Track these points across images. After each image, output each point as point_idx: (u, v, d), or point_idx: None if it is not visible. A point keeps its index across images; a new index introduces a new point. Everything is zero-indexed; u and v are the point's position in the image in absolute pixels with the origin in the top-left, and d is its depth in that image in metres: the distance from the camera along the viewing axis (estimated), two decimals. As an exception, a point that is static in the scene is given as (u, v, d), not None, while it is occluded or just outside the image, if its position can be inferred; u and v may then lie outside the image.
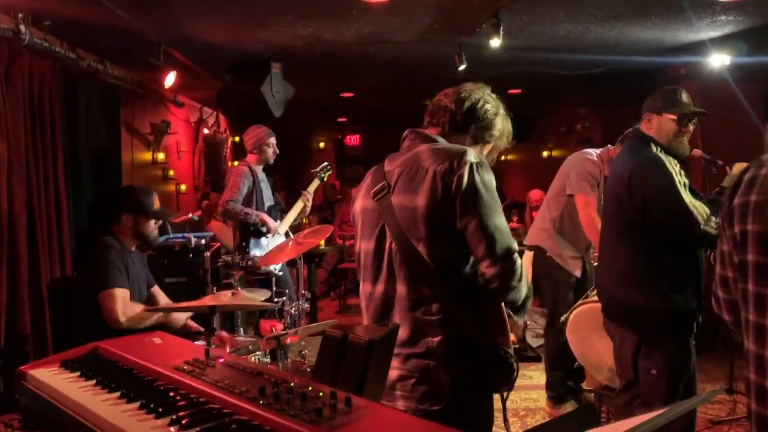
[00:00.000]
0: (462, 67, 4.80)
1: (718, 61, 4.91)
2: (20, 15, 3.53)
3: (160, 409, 1.09)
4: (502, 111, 2.01)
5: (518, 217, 8.66)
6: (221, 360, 1.32)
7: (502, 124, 2.00)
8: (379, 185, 1.89)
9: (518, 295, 1.79)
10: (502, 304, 1.82)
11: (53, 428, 1.22)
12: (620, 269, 2.84)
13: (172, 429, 1.03)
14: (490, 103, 1.97)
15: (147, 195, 3.45)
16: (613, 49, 5.09)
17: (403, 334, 1.82)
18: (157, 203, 3.45)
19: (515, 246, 1.80)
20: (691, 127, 2.85)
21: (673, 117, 2.80)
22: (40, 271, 3.80)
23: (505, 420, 2.02)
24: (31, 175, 3.80)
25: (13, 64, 3.64)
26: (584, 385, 4.16)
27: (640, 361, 2.82)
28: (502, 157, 12.73)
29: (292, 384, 1.13)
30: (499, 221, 1.77)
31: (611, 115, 7.25)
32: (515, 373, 1.80)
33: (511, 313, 1.83)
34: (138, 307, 3.16)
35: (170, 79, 4.86)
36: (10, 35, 3.47)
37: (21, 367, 1.38)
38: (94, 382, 1.26)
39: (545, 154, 10.01)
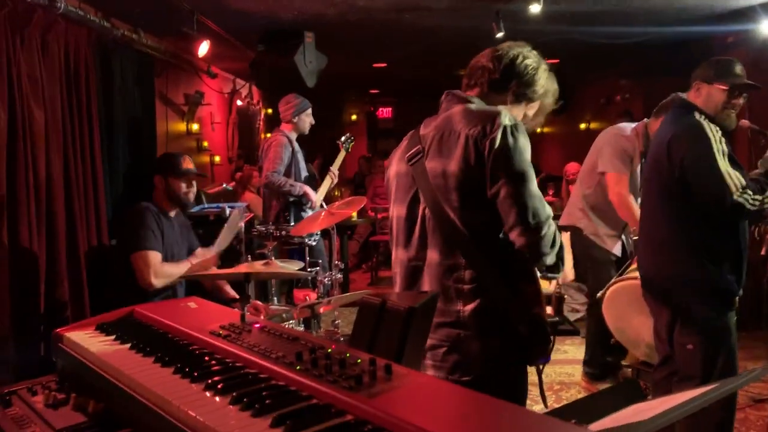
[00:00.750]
0: (499, 35, 4.68)
1: (771, 27, 4.69)
2: (54, -18, 3.52)
3: (196, 374, 1.07)
4: (544, 66, 1.91)
5: (554, 191, 8.51)
6: (257, 325, 1.29)
7: (545, 80, 1.90)
8: (414, 149, 1.84)
9: (549, 260, 1.73)
10: (537, 273, 1.77)
11: (89, 390, 1.21)
12: (658, 239, 2.77)
13: (207, 393, 1.01)
14: (530, 58, 1.87)
15: (177, 157, 3.49)
16: (658, 18, 4.90)
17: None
18: (187, 164, 3.46)
19: (549, 212, 1.73)
20: (741, 101, 2.74)
21: (725, 87, 2.69)
22: (78, 239, 3.84)
23: (542, 392, 1.98)
24: (68, 143, 3.82)
25: (49, 32, 3.64)
26: (623, 362, 4.10)
27: (675, 335, 2.75)
28: (538, 130, 12.47)
29: (329, 350, 1.10)
30: (532, 188, 1.70)
31: (652, 86, 7.01)
32: (551, 344, 1.75)
33: (547, 274, 1.78)
34: (174, 268, 3.18)
35: (204, 48, 4.83)
36: (45, 3, 3.46)
37: (58, 330, 1.38)
38: (129, 345, 1.24)
39: (583, 126, 9.78)
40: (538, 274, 1.86)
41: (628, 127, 3.94)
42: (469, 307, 1.73)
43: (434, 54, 6.43)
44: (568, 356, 4.70)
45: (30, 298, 3.43)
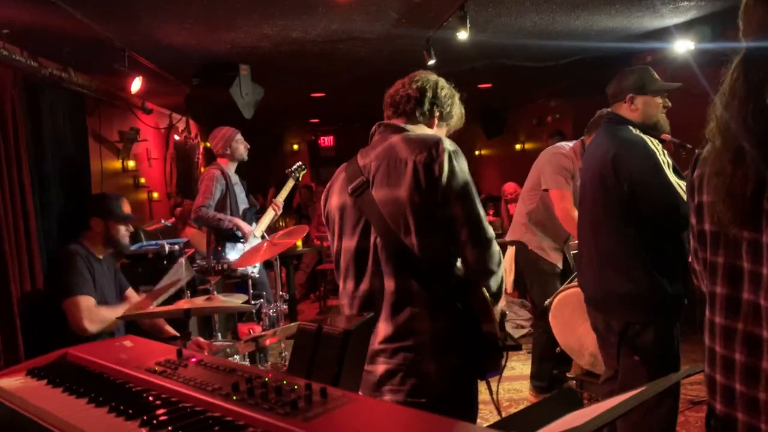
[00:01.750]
0: (431, 62, 4.79)
1: (683, 47, 4.96)
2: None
3: (131, 411, 1.06)
4: (455, 93, 2.05)
5: (494, 211, 8.69)
6: (193, 360, 1.29)
7: (458, 106, 2.04)
8: (357, 181, 1.87)
9: (496, 280, 1.80)
10: (485, 291, 1.82)
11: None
12: (604, 254, 2.79)
13: (143, 430, 1.00)
14: (446, 87, 2.01)
15: (116, 200, 3.39)
16: (580, 38, 5.13)
17: (389, 329, 1.82)
18: (127, 208, 3.39)
19: (492, 232, 1.81)
20: (669, 103, 2.86)
21: (659, 94, 2.80)
22: (9, 287, 3.71)
23: (496, 404, 2.01)
24: (-4, 188, 3.71)
25: (-28, 74, 3.56)
26: (568, 374, 4.19)
27: (622, 347, 2.79)
28: (476, 152, 12.82)
29: (266, 379, 1.11)
30: (479, 207, 1.80)
31: (581, 105, 7.30)
32: (504, 359, 1.80)
33: (490, 298, 1.83)
34: (108, 311, 3.09)
35: (136, 85, 4.78)
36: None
37: (-16, 377, 1.34)
38: (62, 388, 1.21)
39: (518, 147, 10.06)
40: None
41: (566, 145, 4.09)
42: (426, 329, 1.79)
43: (371, 81, 6.51)
44: (515, 372, 4.77)
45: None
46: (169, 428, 0.98)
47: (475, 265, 1.76)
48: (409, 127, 1.93)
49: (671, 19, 4.71)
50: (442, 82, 2.01)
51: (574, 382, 4.12)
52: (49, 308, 3.12)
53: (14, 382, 1.28)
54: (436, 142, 1.79)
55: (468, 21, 3.84)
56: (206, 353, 2.77)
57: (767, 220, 1.23)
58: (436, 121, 1.98)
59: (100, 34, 3.92)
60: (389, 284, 1.81)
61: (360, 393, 1.43)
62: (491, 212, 8.80)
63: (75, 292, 2.99)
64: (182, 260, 3.45)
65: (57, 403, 1.15)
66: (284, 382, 1.09)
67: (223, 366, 1.23)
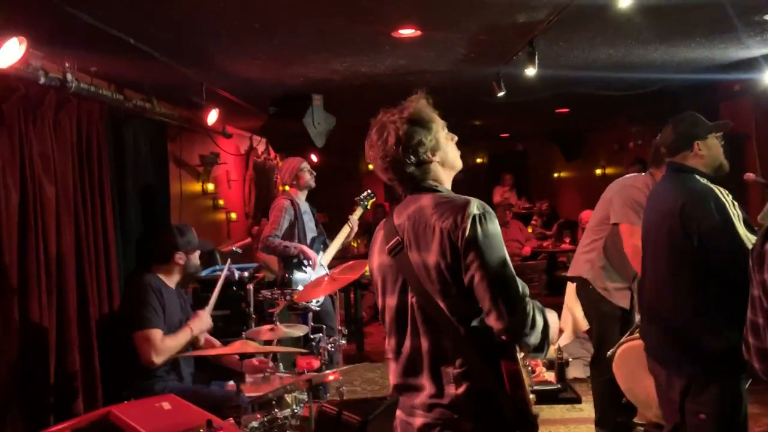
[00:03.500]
0: (501, 94, 4.75)
1: (773, 77, 4.70)
2: (67, 64, 3.69)
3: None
4: (441, 130, 1.98)
5: (570, 239, 8.47)
6: (221, 431, 1.33)
7: (442, 131, 1.98)
8: (393, 241, 1.89)
9: (536, 337, 1.76)
10: (519, 355, 1.79)
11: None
12: (669, 307, 2.72)
13: None
14: (427, 138, 1.92)
15: (191, 230, 3.57)
16: (660, 69, 4.94)
17: (429, 386, 1.84)
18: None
19: (526, 292, 1.77)
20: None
21: (717, 135, 2.77)
22: (89, 308, 3.93)
23: None
24: (80, 215, 3.94)
25: (61, 110, 3.80)
26: (635, 420, 4.02)
27: (687, 403, 2.68)
28: (555, 175, 12.54)
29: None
30: (506, 271, 1.76)
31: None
32: (534, 426, 1.77)
33: (532, 354, 1.81)
34: (172, 341, 3.23)
35: (213, 117, 4.99)
36: (57, 84, 3.61)
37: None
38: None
39: (598, 171, 9.78)
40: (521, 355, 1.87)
41: (636, 177, 3.94)
42: (461, 390, 1.79)
43: (443, 107, 6.52)
44: (584, 414, 4.61)
45: (39, 369, 3.50)
46: None
47: (502, 333, 1.73)
48: (442, 188, 1.92)
49: (759, 49, 4.47)
50: (424, 116, 1.94)
51: (643, 429, 3.94)
52: (122, 336, 3.29)
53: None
54: (463, 206, 1.78)
55: (537, 56, 3.77)
56: (268, 370, 2.83)
57: None
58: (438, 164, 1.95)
59: (177, 70, 4.11)
60: (425, 343, 1.83)
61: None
62: (567, 240, 8.59)
63: (146, 325, 3.14)
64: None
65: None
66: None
67: (245, 445, 1.25)
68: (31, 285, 3.44)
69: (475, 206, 1.78)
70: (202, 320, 3.47)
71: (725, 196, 2.59)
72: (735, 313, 2.56)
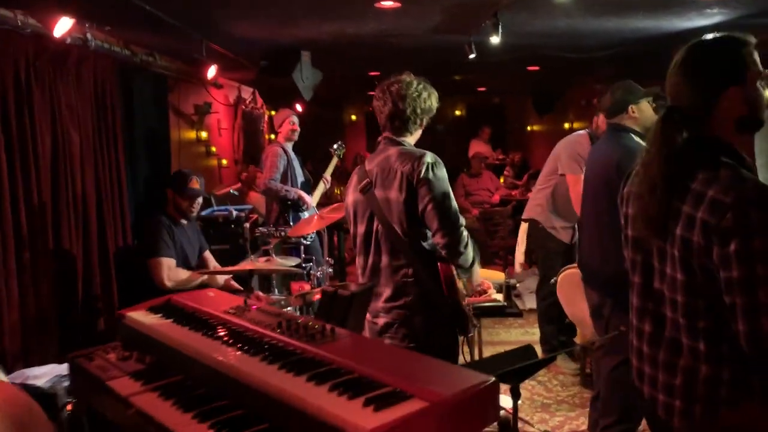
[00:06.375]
0: (472, 56, 5.30)
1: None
2: (87, 24, 4.17)
3: (210, 333, 1.73)
4: (429, 90, 2.57)
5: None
6: (254, 307, 1.95)
7: (434, 99, 2.58)
8: (364, 182, 2.50)
9: (465, 258, 2.39)
10: (453, 267, 2.42)
11: (145, 349, 1.87)
12: (604, 246, 3.20)
13: (218, 343, 1.67)
14: (422, 93, 2.52)
15: (185, 177, 4.12)
16: (615, 37, 5.50)
17: (387, 292, 2.46)
18: (194, 184, 4.09)
19: (462, 221, 2.39)
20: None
21: (649, 99, 3.23)
22: (107, 241, 4.52)
23: (471, 353, 2.61)
24: (98, 159, 4.49)
25: (82, 65, 4.30)
26: (575, 339, 4.73)
27: (612, 320, 3.31)
28: (528, 128, 13.15)
29: (299, 321, 1.75)
30: (448, 203, 2.36)
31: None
32: (469, 322, 2.41)
33: (460, 273, 2.43)
34: (184, 273, 3.84)
35: (212, 72, 5.49)
36: (79, 42, 4.11)
37: (119, 311, 2.04)
38: (172, 320, 1.90)
39: (566, 125, 10.39)
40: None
41: (581, 135, 4.58)
42: (412, 294, 2.42)
43: (422, 64, 7.03)
44: (527, 338, 5.32)
45: (70, 291, 4.11)
46: (238, 346, 1.64)
47: (444, 248, 2.35)
48: (403, 139, 2.53)
49: (699, 21, 5.03)
50: (419, 88, 2.52)
51: (579, 347, 4.66)
52: (138, 264, 3.90)
53: (141, 315, 1.98)
54: (419, 156, 2.39)
55: (500, 27, 4.32)
56: (264, 304, 3.47)
57: (671, 235, 1.74)
58: (422, 126, 2.58)
59: (183, 30, 4.59)
60: (385, 259, 2.46)
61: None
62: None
63: (158, 254, 3.75)
64: None
65: (170, 329, 1.84)
66: (310, 323, 1.73)
67: (273, 312, 1.88)
68: (62, 219, 4.01)
69: (429, 156, 2.40)
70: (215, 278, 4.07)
71: None
72: None
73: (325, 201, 6.55)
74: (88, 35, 4.18)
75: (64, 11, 3.50)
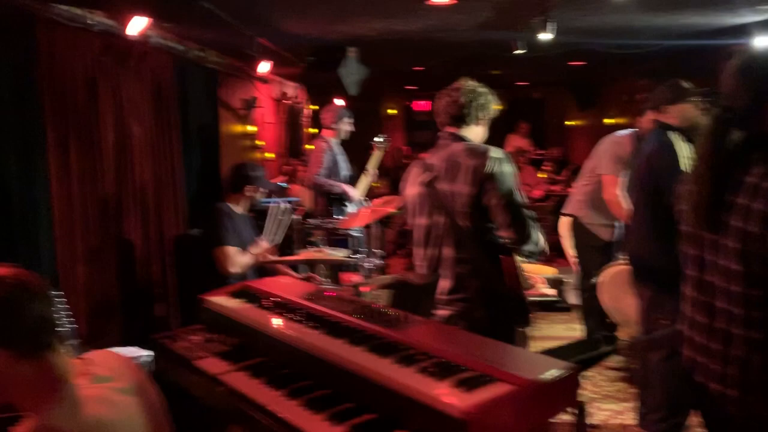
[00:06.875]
0: (519, 51, 5.35)
1: (762, 42, 5.24)
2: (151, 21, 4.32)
3: (292, 317, 1.85)
4: (488, 92, 2.68)
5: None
6: (330, 294, 2.06)
7: (493, 101, 2.69)
8: (427, 175, 2.57)
9: (530, 248, 2.45)
10: (517, 260, 2.49)
11: (228, 332, 1.99)
12: (641, 235, 3.38)
13: (305, 328, 1.78)
14: (483, 93, 2.64)
15: (261, 169, 4.24)
16: (664, 33, 5.50)
17: (448, 284, 2.53)
18: (265, 176, 4.23)
19: (530, 215, 2.46)
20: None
21: (694, 99, 3.26)
22: (164, 230, 4.70)
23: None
24: (156, 151, 4.66)
25: (143, 61, 4.47)
26: (617, 333, 4.76)
27: (650, 313, 3.36)
28: (568, 123, 13.09)
29: (374, 307, 1.86)
30: (517, 198, 2.44)
31: (668, 86, 7.55)
32: (529, 314, 2.49)
33: (528, 258, 2.51)
34: (247, 259, 3.98)
35: (265, 67, 5.62)
36: (141, 39, 4.27)
37: (201, 295, 2.17)
38: (254, 305, 2.02)
39: (607, 121, 10.33)
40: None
41: (624, 135, 4.59)
42: (473, 286, 2.49)
43: (467, 60, 7.09)
44: (577, 333, 5.37)
45: (130, 278, 4.29)
46: (320, 329, 1.75)
47: (511, 242, 2.43)
48: (464, 134, 2.61)
49: (750, 17, 5.01)
50: (479, 89, 2.64)
51: (627, 343, 4.69)
52: (201, 253, 4.04)
53: (222, 299, 2.10)
54: (485, 151, 2.47)
55: (547, 24, 4.37)
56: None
57: (724, 227, 1.81)
58: (482, 122, 2.66)
59: (236, 27, 4.73)
60: (447, 252, 2.52)
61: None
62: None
63: (223, 243, 3.88)
64: (273, 207, 4.28)
65: (252, 313, 1.96)
66: (383, 309, 1.84)
67: (348, 299, 1.99)
68: (125, 209, 4.19)
69: (496, 152, 2.47)
70: (260, 245, 4.20)
71: (683, 148, 3.22)
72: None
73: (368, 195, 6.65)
74: (149, 32, 4.33)
75: (140, 11, 3.65)
